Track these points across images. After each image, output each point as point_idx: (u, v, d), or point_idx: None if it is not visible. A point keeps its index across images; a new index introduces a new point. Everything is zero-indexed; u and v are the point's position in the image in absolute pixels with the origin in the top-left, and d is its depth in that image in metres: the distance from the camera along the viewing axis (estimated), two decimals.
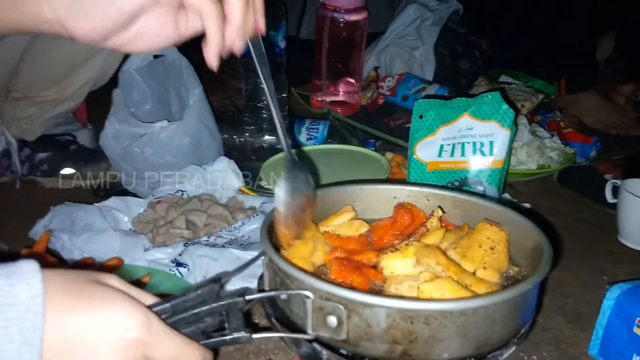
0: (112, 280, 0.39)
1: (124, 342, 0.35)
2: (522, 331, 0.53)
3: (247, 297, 0.44)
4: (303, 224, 0.60)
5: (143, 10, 0.45)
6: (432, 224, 0.61)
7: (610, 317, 0.68)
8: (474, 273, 0.54)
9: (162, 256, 0.80)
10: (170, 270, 0.78)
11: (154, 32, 0.47)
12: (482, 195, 0.83)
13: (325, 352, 0.48)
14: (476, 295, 0.50)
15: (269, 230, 0.57)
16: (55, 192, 1.13)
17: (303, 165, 0.59)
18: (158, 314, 0.39)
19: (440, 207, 0.64)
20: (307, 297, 0.46)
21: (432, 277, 0.51)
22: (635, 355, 0.65)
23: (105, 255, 0.80)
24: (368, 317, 0.45)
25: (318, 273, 0.57)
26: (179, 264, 0.79)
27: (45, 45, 1.04)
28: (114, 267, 0.76)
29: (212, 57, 0.47)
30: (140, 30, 0.47)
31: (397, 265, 0.55)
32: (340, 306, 0.45)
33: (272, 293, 0.49)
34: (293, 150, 0.58)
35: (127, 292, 0.38)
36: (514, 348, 0.52)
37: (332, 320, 0.46)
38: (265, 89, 0.53)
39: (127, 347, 0.36)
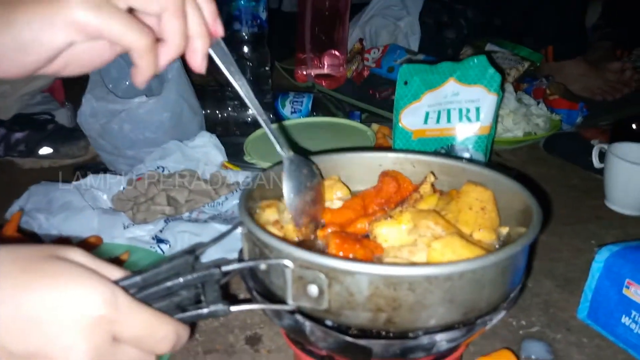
0: (75, 254, 0.36)
1: (87, 320, 0.33)
2: (512, 295, 0.51)
3: (224, 268, 0.42)
4: (317, 218, 0.58)
5: (60, 52, 0.41)
6: (426, 189, 0.59)
7: (599, 279, 0.68)
8: (469, 236, 0.53)
9: (142, 233, 0.78)
10: (151, 247, 0.76)
11: (87, 57, 0.43)
12: (469, 160, 0.82)
13: (308, 324, 0.46)
14: (468, 258, 0.48)
15: (247, 200, 0.55)
16: (34, 172, 1.11)
17: (302, 159, 0.57)
18: (126, 289, 0.37)
19: (432, 172, 0.63)
20: (286, 266, 0.44)
21: (431, 240, 0.49)
22: (624, 316, 0.65)
23: (84, 234, 0.78)
24: (350, 285, 0.43)
25: (317, 249, 0.55)
26: (160, 241, 0.77)
27: None
28: (93, 246, 0.74)
29: (139, 82, 0.43)
30: (71, 59, 0.42)
31: (391, 233, 0.53)
32: (321, 275, 0.43)
33: (250, 263, 0.47)
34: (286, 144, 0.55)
35: (91, 266, 0.36)
36: (503, 313, 0.50)
37: (313, 289, 0.44)
38: (237, 88, 0.50)
39: (91, 325, 0.33)
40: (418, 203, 0.57)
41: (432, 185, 0.61)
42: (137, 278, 0.38)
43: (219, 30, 0.47)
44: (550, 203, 0.98)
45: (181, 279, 0.40)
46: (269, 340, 0.67)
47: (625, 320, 0.65)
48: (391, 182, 0.62)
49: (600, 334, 0.68)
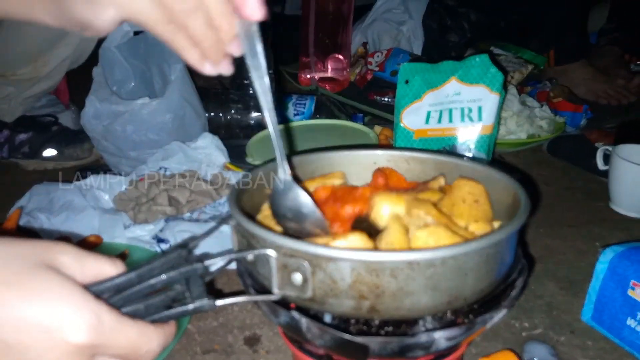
0: (64, 256, 0.34)
1: (69, 348, 0.31)
2: (513, 294, 0.50)
3: (207, 262, 0.41)
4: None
5: None
6: (434, 186, 0.59)
7: (603, 281, 0.67)
8: (465, 229, 0.52)
9: (142, 233, 0.78)
10: (151, 247, 0.76)
11: None
12: (463, 156, 0.81)
13: (304, 320, 0.46)
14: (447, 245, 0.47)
15: (238, 194, 0.55)
16: (38, 174, 1.11)
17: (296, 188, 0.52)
18: (110, 293, 0.36)
19: (443, 174, 0.61)
20: (270, 255, 0.44)
21: (424, 226, 0.49)
22: (629, 318, 0.63)
23: (85, 233, 0.78)
24: (332, 272, 0.43)
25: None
26: (160, 240, 0.76)
27: (17, 22, 1.00)
28: (93, 245, 0.74)
29: None
30: None
31: (387, 210, 0.52)
32: (305, 262, 0.43)
33: (233, 255, 0.46)
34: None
35: (79, 271, 0.34)
36: (504, 312, 0.49)
37: (297, 277, 0.43)
38: (256, 89, 0.47)
39: (72, 353, 0.31)
40: (420, 194, 0.56)
41: (440, 188, 0.60)
42: (123, 278, 0.37)
43: (249, 12, 0.40)
44: (554, 205, 0.97)
45: (164, 276, 0.39)
46: (267, 341, 0.66)
47: (630, 322, 0.64)
48: (379, 176, 0.62)
49: (604, 336, 0.67)
